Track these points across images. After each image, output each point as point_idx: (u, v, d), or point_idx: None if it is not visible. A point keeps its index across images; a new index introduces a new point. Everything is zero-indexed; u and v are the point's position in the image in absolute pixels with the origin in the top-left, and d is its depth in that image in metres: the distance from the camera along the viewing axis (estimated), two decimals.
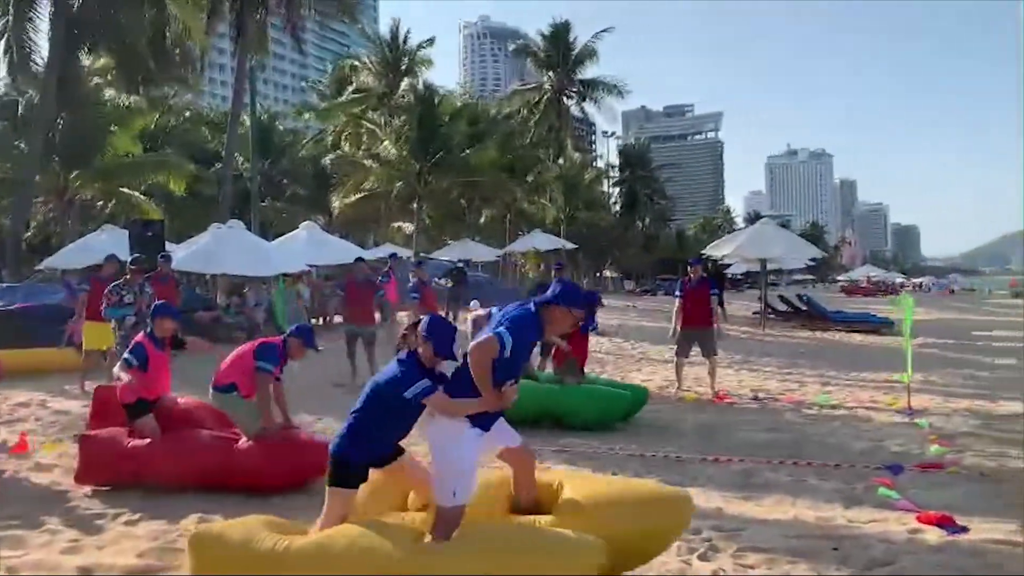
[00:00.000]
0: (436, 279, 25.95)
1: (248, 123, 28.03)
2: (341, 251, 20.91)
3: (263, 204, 29.96)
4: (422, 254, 32.68)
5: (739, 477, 6.11)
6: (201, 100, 45.52)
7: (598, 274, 59.11)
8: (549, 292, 3.95)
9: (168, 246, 14.64)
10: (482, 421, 3.72)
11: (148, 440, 5.73)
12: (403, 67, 38.44)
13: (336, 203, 34.24)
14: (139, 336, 6.21)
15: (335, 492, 3.80)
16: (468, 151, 33.37)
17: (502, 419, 3.90)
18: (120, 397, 5.93)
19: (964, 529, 4.76)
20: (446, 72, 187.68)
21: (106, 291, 8.57)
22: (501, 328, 3.68)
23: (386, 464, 3.91)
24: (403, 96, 34.93)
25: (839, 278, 74.87)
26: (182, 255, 15.44)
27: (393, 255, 17.06)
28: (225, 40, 32.28)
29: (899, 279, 74.26)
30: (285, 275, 17.12)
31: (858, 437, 7.65)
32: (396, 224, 37.06)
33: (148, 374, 5.95)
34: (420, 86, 35.19)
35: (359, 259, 11.68)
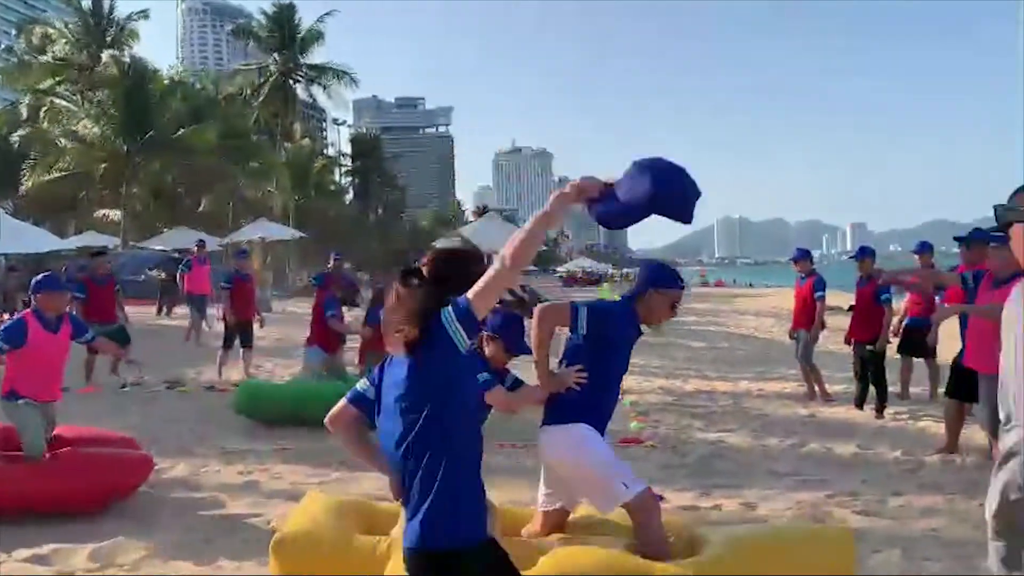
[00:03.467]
0: (148, 270, 23.95)
1: None
2: (32, 240, 18.83)
3: None
4: (131, 243, 30.00)
5: None
6: None
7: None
8: (641, 276, 3.50)
9: None
10: (595, 423, 3.33)
11: None
12: (109, 38, 34.96)
13: (24, 186, 30.37)
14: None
15: None
16: (182, 131, 30.92)
17: None
18: None
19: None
20: (164, 51, 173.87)
21: None
22: (581, 302, 3.32)
23: None
24: (105, 69, 31.65)
25: (558, 269, 79.76)
26: None
27: (201, 242, 15.12)
28: None
29: (610, 270, 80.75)
30: None
31: None
32: (102, 211, 33.51)
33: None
34: (127, 59, 32.12)
35: (99, 253, 10.59)
